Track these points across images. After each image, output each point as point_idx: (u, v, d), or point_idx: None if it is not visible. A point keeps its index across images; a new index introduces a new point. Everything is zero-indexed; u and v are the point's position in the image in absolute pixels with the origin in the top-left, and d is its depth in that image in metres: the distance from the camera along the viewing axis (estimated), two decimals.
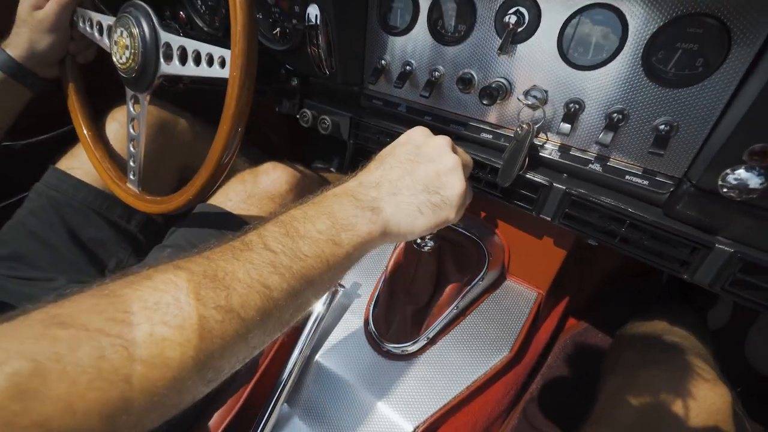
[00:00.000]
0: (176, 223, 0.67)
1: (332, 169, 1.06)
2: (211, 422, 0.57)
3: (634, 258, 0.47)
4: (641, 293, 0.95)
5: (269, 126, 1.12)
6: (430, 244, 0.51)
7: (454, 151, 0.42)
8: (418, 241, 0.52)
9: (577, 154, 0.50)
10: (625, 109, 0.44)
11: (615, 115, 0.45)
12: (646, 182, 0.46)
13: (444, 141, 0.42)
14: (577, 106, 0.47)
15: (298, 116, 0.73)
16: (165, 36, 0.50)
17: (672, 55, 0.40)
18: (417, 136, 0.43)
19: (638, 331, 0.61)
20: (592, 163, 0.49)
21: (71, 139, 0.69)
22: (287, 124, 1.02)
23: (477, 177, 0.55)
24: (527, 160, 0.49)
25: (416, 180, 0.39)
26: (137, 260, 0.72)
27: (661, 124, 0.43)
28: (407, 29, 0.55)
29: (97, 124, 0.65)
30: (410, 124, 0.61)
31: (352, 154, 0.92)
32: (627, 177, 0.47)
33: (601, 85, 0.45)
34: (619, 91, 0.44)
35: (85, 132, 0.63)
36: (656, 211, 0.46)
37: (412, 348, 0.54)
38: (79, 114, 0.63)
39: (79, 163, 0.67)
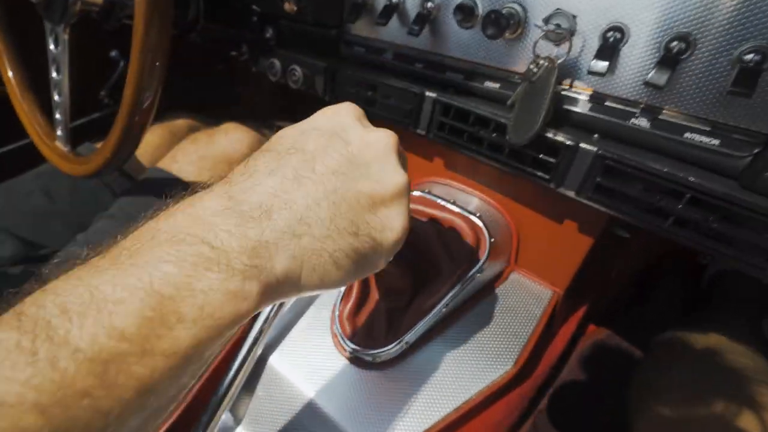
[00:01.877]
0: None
1: None
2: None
3: (693, 248, 0.34)
4: (677, 298, 0.81)
5: (246, 87, 1.00)
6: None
7: (402, 162, 0.27)
8: None
9: (615, 105, 0.36)
10: (692, 34, 0.31)
11: (675, 44, 0.32)
12: (716, 141, 0.33)
13: (391, 140, 0.26)
14: (618, 35, 0.34)
15: (267, 71, 0.62)
16: None
17: None
18: (346, 119, 0.26)
19: (682, 346, 0.48)
20: (636, 117, 0.36)
21: None
22: (268, 86, 0.90)
23: (478, 137, 0.42)
24: (552, 108, 0.36)
25: (341, 211, 0.23)
26: None
27: (748, 53, 0.29)
28: None
29: (27, 70, 0.55)
30: (399, 75, 0.50)
31: None
32: (687, 135, 0.34)
33: (657, 1, 0.31)
34: (683, 7, 0.31)
35: (10, 76, 0.52)
36: (729, 183, 0.32)
37: (387, 355, 0.42)
38: (4, 55, 0.53)
39: None
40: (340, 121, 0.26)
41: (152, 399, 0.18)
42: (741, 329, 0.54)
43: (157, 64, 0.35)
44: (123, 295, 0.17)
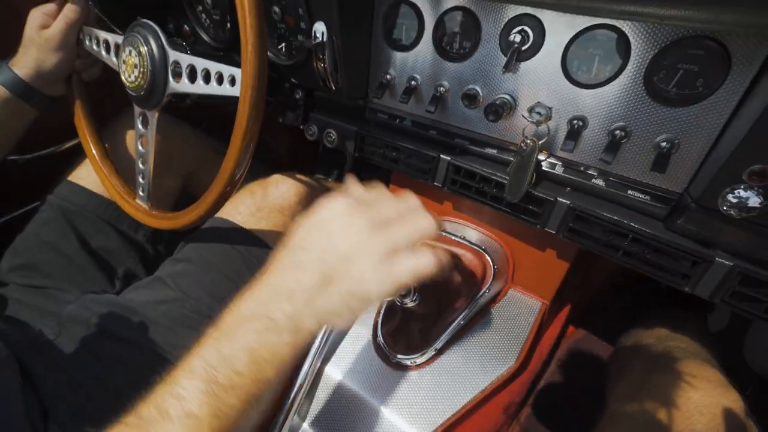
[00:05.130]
0: (184, 236, 0.68)
1: (331, 178, 1.07)
2: None
3: (636, 271, 0.49)
4: (641, 299, 0.97)
5: (272, 135, 1.12)
6: (409, 302, 0.52)
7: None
8: (398, 300, 0.53)
9: (581, 169, 0.51)
10: (628, 126, 0.46)
11: (617, 132, 0.46)
12: (647, 197, 0.47)
13: (363, 222, 0.35)
14: (580, 123, 0.48)
15: (303, 128, 0.74)
16: (173, 54, 0.51)
17: (673, 75, 0.41)
18: (334, 219, 0.36)
19: (642, 338, 0.62)
20: (596, 178, 0.50)
21: (81, 150, 0.70)
22: (288, 133, 1.02)
23: (482, 191, 0.56)
24: (534, 175, 0.50)
25: (333, 284, 0.34)
26: (144, 269, 0.73)
27: (663, 142, 0.44)
28: (412, 45, 0.56)
29: (104, 139, 0.66)
30: (416, 138, 0.63)
31: (352, 166, 0.92)
32: (629, 192, 0.48)
33: (604, 103, 0.46)
34: (621, 108, 0.45)
35: (92, 148, 0.63)
36: (658, 225, 0.47)
37: (421, 359, 0.55)
38: (86, 130, 0.63)
39: (87, 173, 0.68)
40: (331, 219, 0.36)
41: (258, 403, 0.34)
42: (688, 323, 0.69)
43: (251, 145, 0.47)
44: (237, 353, 0.33)
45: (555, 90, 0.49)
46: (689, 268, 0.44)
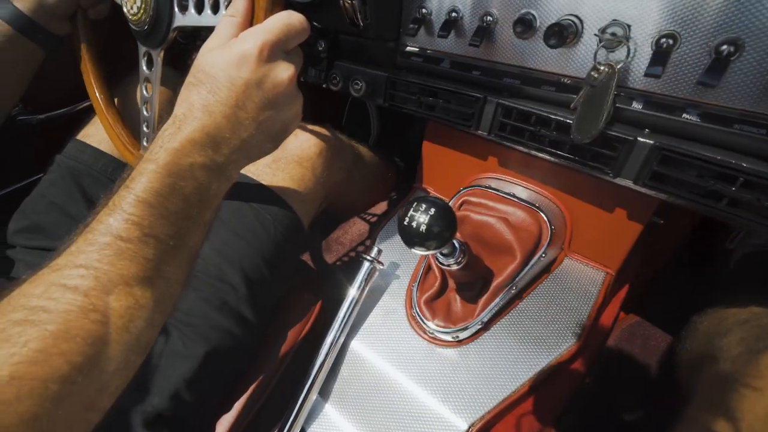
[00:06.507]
0: None
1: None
2: (238, 413, 0.52)
3: (743, 225, 0.39)
4: (705, 281, 0.85)
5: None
6: (453, 263, 0.44)
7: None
8: (441, 259, 0.44)
9: (667, 102, 0.41)
10: (741, 37, 0.35)
11: (725, 47, 0.36)
12: (763, 131, 0.37)
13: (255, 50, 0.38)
14: (670, 41, 0.39)
15: (326, 83, 0.66)
16: None
17: None
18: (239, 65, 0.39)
19: (727, 315, 0.52)
20: (687, 112, 0.40)
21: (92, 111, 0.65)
22: (311, 99, 0.95)
23: (539, 135, 0.46)
24: (613, 109, 0.41)
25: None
26: None
27: None
28: None
29: (112, 87, 0.61)
30: (455, 80, 0.54)
31: (378, 130, 0.84)
32: (736, 126, 0.38)
33: (708, 9, 0.36)
34: (732, 14, 0.35)
35: (97, 95, 0.58)
36: None
37: (464, 334, 0.47)
38: (92, 75, 0.58)
39: (96, 131, 0.63)
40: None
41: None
42: None
43: None
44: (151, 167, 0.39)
45: (636, 1, 0.39)
46: None
